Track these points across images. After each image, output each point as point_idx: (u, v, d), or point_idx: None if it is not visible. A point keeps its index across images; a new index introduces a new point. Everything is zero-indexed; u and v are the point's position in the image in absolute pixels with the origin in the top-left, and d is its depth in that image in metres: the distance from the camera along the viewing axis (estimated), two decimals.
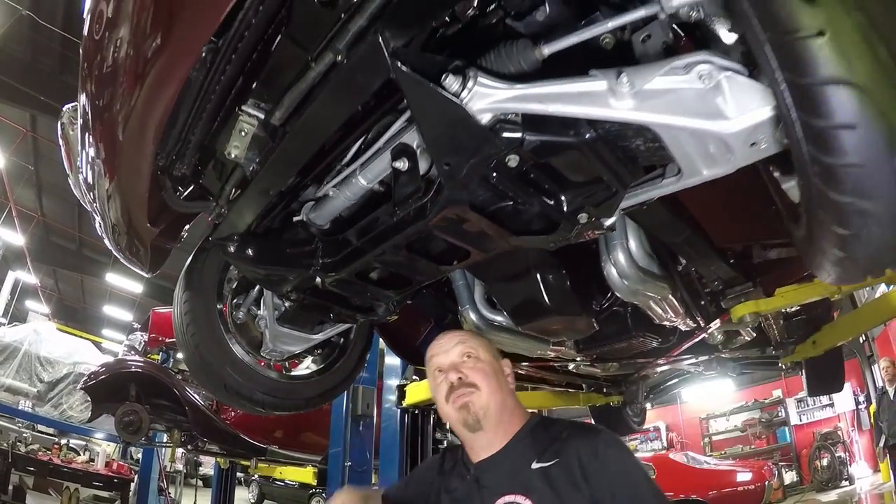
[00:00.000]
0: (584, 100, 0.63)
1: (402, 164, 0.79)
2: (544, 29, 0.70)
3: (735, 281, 1.58)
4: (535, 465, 1.12)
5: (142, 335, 5.90)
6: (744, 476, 7.96)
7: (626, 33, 0.69)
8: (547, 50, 0.67)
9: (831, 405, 10.63)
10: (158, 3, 0.71)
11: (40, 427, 8.94)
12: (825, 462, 10.32)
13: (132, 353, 5.71)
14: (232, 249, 1.11)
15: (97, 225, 1.48)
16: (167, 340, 5.25)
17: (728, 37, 0.58)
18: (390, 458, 3.30)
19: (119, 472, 7.56)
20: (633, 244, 1.29)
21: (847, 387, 10.05)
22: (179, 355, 5.59)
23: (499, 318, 1.60)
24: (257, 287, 1.52)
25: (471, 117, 0.66)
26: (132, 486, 7.26)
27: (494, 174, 0.73)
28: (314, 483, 5.62)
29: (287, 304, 1.40)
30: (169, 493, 7.40)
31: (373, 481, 3.75)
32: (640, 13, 0.63)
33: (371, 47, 0.66)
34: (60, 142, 1.65)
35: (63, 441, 8.37)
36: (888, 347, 8.21)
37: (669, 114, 0.61)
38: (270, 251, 1.13)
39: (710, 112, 0.59)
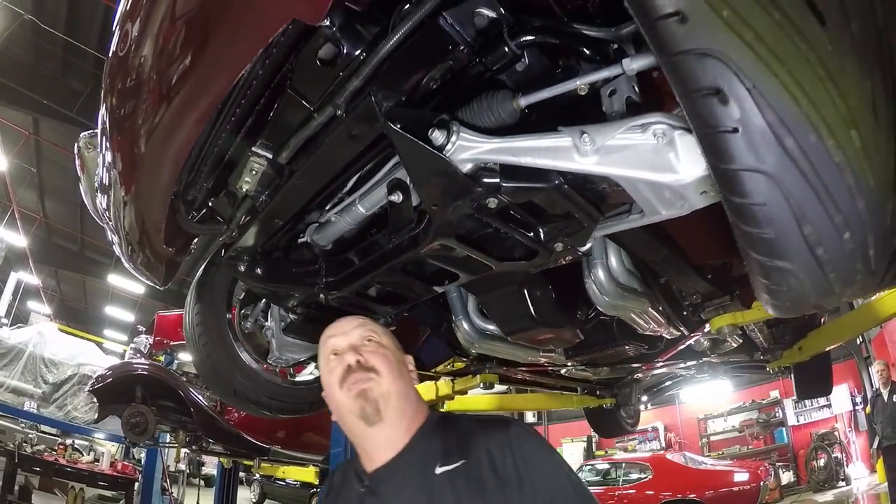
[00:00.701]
0: (551, 154, 0.72)
1: (397, 198, 0.89)
2: (523, 80, 0.80)
3: (713, 294, 1.67)
4: (438, 470, 0.97)
5: (147, 338, 6.00)
6: (740, 476, 8.07)
7: (596, 84, 0.79)
8: (524, 101, 0.77)
9: (828, 406, 10.70)
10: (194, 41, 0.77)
11: (43, 427, 9.04)
12: (822, 462, 10.39)
13: (138, 355, 5.81)
14: (242, 269, 1.21)
15: (114, 244, 1.56)
16: (172, 343, 5.35)
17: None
18: None
19: (124, 471, 7.66)
20: (613, 262, 1.38)
21: (844, 388, 10.16)
22: (183, 357, 5.71)
23: (490, 328, 1.69)
24: (264, 300, 1.62)
25: (454, 167, 0.76)
26: (136, 485, 7.35)
27: (476, 213, 0.83)
28: (316, 482, 5.72)
29: (293, 316, 1.49)
30: (171, 493, 7.51)
31: None
32: (605, 73, 0.73)
33: (366, 106, 0.76)
34: (77, 165, 1.74)
35: (68, 441, 8.46)
36: (884, 350, 8.30)
37: (628, 167, 0.70)
38: (277, 270, 1.23)
39: (663, 166, 0.68)
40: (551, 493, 0.91)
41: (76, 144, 1.64)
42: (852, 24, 0.50)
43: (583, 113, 0.78)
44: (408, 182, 0.89)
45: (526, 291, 1.36)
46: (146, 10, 0.76)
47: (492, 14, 0.75)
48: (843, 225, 0.57)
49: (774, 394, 12.11)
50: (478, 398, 3.36)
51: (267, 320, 1.62)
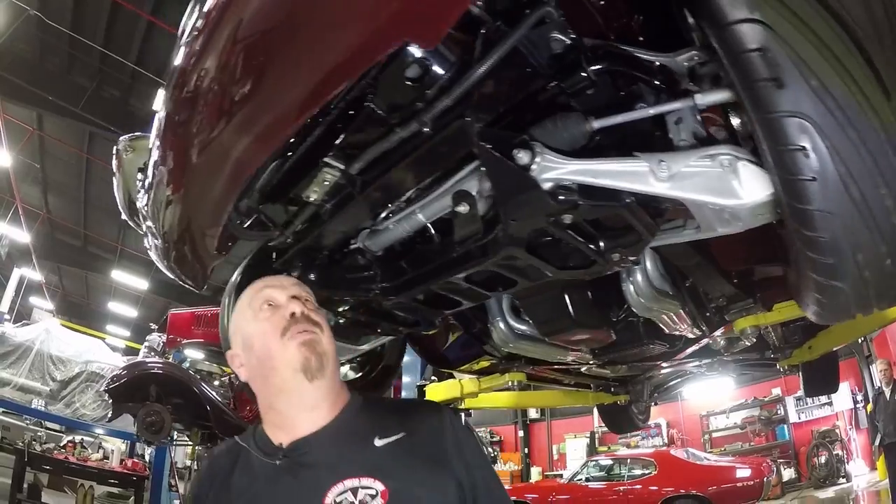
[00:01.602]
0: (629, 177, 0.80)
1: (464, 208, 0.95)
2: (592, 103, 0.87)
3: (738, 297, 1.73)
4: (378, 442, 0.92)
5: (160, 336, 6.05)
6: (742, 472, 8.13)
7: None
8: (597, 124, 0.85)
9: (829, 404, 10.81)
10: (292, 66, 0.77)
11: (48, 424, 9.08)
12: (823, 459, 10.51)
13: (152, 354, 5.86)
14: (295, 274, 1.26)
15: (153, 247, 1.57)
16: (184, 341, 5.40)
17: (740, 126, 0.76)
18: None
19: (134, 469, 7.72)
20: (649, 267, 1.44)
21: (845, 386, 10.24)
22: (193, 354, 5.75)
23: (524, 328, 1.75)
24: None
25: (538, 186, 0.83)
26: (146, 482, 7.41)
27: (550, 227, 0.90)
28: None
29: (339, 319, 1.54)
30: (178, 490, 7.57)
31: None
32: (677, 105, 0.81)
33: (458, 126, 0.82)
34: (114, 168, 1.76)
35: (78, 439, 8.52)
36: (885, 349, 8.37)
37: (697, 192, 0.79)
38: (332, 276, 1.27)
39: (728, 191, 0.78)
40: (481, 470, 0.96)
41: (115, 147, 1.65)
42: None
43: (647, 137, 0.85)
44: (474, 193, 0.94)
45: (566, 295, 1.42)
46: (251, 19, 0.76)
47: (567, 40, 0.81)
48: (886, 253, 0.70)
49: (776, 391, 12.23)
50: (496, 395, 3.41)
51: None
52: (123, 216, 1.85)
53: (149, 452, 9.44)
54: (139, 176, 1.45)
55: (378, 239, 1.20)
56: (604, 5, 0.87)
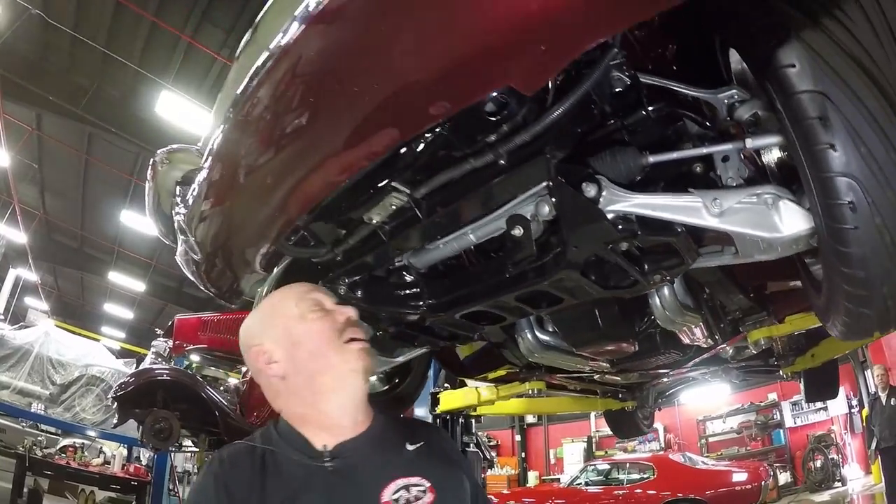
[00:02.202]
0: (684, 211, 0.90)
1: (518, 232, 1.01)
2: (646, 138, 0.95)
3: (752, 310, 1.81)
4: (409, 447, 0.99)
5: (165, 342, 6.06)
6: (739, 476, 8.24)
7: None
8: (652, 159, 0.93)
9: (825, 409, 10.92)
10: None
11: (43, 427, 9.01)
12: (819, 464, 10.65)
13: (159, 359, 5.87)
14: (342, 292, 1.31)
15: (187, 262, 1.59)
16: (190, 346, 5.42)
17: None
18: None
19: (136, 474, 7.70)
20: (676, 283, 1.51)
21: (841, 391, 10.34)
22: (199, 360, 5.77)
23: (550, 339, 1.81)
24: None
25: (604, 217, 0.90)
26: (148, 487, 7.40)
27: (606, 252, 0.97)
28: None
29: (378, 332, 1.58)
30: (178, 494, 7.55)
31: None
32: (728, 146, 0.91)
33: (538, 162, 0.90)
34: (149, 177, 1.78)
35: (79, 443, 8.48)
36: (881, 354, 8.50)
37: (743, 226, 0.88)
38: (380, 293, 1.32)
39: (769, 225, 0.88)
40: (473, 479, 1.04)
41: (153, 159, 1.64)
42: None
43: (693, 172, 0.95)
44: (528, 217, 1.00)
45: (596, 309, 1.48)
46: (353, 53, 0.78)
47: (628, 80, 0.87)
48: None
49: (772, 396, 12.34)
50: (510, 402, 3.47)
51: None
52: (153, 225, 1.86)
53: (147, 457, 9.42)
54: (178, 189, 1.49)
55: (424, 257, 1.25)
56: (653, 46, 0.93)
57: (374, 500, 0.88)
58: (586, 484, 9.75)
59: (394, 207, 1.10)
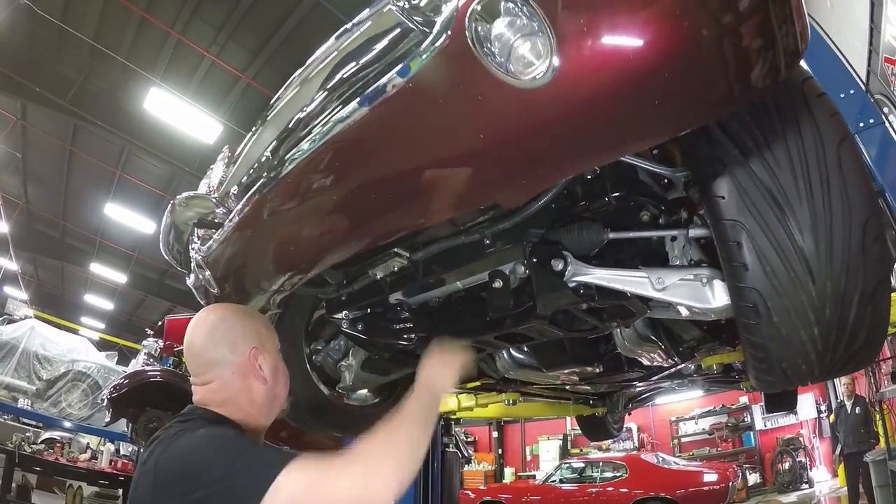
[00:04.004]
0: (633, 284, 1.12)
1: (498, 284, 1.23)
2: (607, 217, 1.18)
3: (705, 339, 2.03)
4: None
5: (156, 342, 6.15)
6: (710, 476, 8.52)
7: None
8: (612, 235, 1.16)
9: (794, 413, 11.29)
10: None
11: (24, 420, 8.97)
12: (787, 466, 11.07)
13: (151, 360, 5.97)
14: (345, 326, 1.52)
15: (202, 292, 1.74)
16: (180, 347, 5.54)
17: None
18: None
19: (124, 469, 7.76)
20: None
21: (810, 396, 10.78)
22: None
23: (523, 358, 2.03)
24: (343, 340, 1.91)
25: (567, 286, 1.13)
26: None
27: (570, 309, 1.18)
28: None
29: (374, 356, 1.78)
30: None
31: None
32: (674, 232, 1.14)
33: (516, 248, 1.14)
34: (167, 214, 1.83)
35: (66, 437, 8.47)
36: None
37: (681, 298, 1.10)
38: (376, 326, 1.53)
39: (703, 298, 1.10)
40: None
41: (172, 201, 1.78)
42: (827, 283, 0.92)
43: (648, 248, 1.18)
44: (507, 273, 1.23)
45: (565, 339, 1.69)
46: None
47: (598, 170, 1.09)
48: (806, 366, 1.00)
49: (743, 399, 12.73)
50: (488, 408, 3.68)
51: (341, 357, 1.91)
52: (165, 254, 2.00)
53: (130, 450, 9.44)
54: (196, 231, 1.67)
55: (417, 297, 1.46)
56: None
57: None
58: (561, 481, 10.02)
59: (395, 268, 1.32)
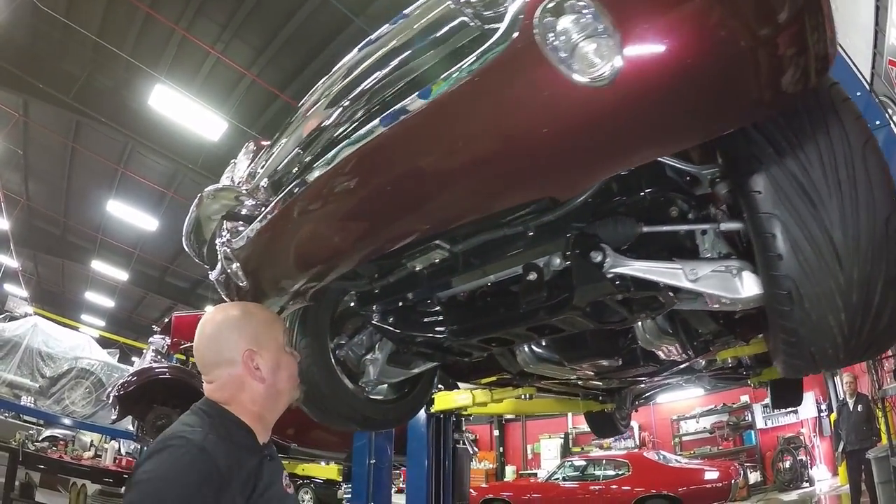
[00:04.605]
0: (667, 275, 1.15)
1: (532, 277, 1.26)
2: (642, 211, 1.21)
3: (721, 333, 2.05)
4: (275, 450, 1.27)
5: (163, 339, 6.15)
6: (711, 474, 8.53)
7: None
8: (645, 229, 1.18)
9: (795, 412, 11.35)
10: None
11: (25, 417, 8.95)
12: (788, 464, 11.13)
13: (158, 357, 5.97)
14: (376, 319, 1.53)
15: (225, 285, 1.74)
16: (187, 344, 5.54)
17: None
18: (418, 461, 3.72)
19: (128, 467, 7.75)
20: None
21: (810, 395, 10.83)
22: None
23: (543, 353, 2.05)
24: (367, 334, 1.93)
25: (605, 277, 1.16)
26: None
27: (605, 300, 1.21)
28: (339, 479, 5.95)
29: (402, 349, 1.79)
30: None
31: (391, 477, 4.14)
32: (704, 226, 1.17)
33: (558, 238, 1.17)
34: (194, 206, 1.84)
35: (69, 435, 8.46)
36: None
37: (712, 288, 1.13)
38: (408, 320, 1.55)
39: (733, 288, 1.13)
40: None
41: (201, 193, 1.78)
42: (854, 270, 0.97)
43: (674, 241, 1.21)
44: (541, 265, 1.25)
45: (587, 333, 1.71)
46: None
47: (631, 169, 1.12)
48: (833, 350, 1.04)
49: (745, 398, 12.79)
50: (495, 404, 3.69)
51: (365, 351, 1.92)
52: (186, 246, 2.01)
53: (133, 448, 9.43)
54: (224, 224, 1.65)
55: (447, 290, 1.48)
56: None
57: (282, 484, 1.19)
58: (564, 479, 10.05)
59: (436, 260, 1.34)
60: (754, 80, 0.81)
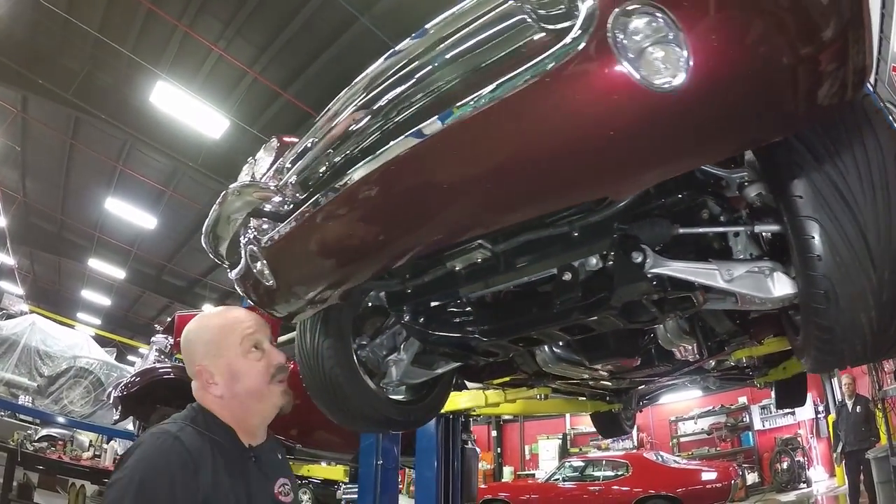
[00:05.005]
0: (704, 276, 1.19)
1: (567, 277, 1.27)
2: (676, 213, 1.24)
3: (737, 334, 2.08)
4: (279, 456, 1.28)
5: (166, 338, 6.09)
6: (710, 475, 8.56)
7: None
8: (681, 230, 1.21)
9: (792, 413, 11.43)
10: None
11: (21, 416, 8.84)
12: (785, 465, 11.20)
13: (162, 357, 5.92)
14: (407, 318, 1.53)
15: (249, 285, 1.73)
16: None
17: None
18: (427, 462, 3.71)
19: None
20: None
21: (808, 397, 10.87)
22: None
23: (562, 353, 2.05)
24: (389, 334, 1.91)
25: (645, 277, 1.19)
26: None
27: (641, 299, 1.23)
28: (346, 480, 5.89)
29: (428, 350, 1.79)
30: None
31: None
32: (739, 228, 1.21)
33: (602, 239, 1.19)
34: (217, 204, 1.73)
35: (67, 434, 8.36)
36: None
37: (745, 288, 1.18)
38: (438, 319, 1.56)
39: (765, 288, 1.18)
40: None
41: (226, 189, 1.71)
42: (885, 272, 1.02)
43: (705, 243, 1.26)
44: (576, 265, 1.26)
45: (609, 333, 1.72)
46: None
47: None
48: (861, 347, 1.09)
49: (742, 399, 12.86)
50: (507, 404, 3.69)
51: (387, 352, 1.90)
52: (205, 243, 1.97)
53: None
54: (251, 221, 1.62)
55: (484, 290, 1.49)
56: None
57: (272, 490, 1.19)
58: (563, 480, 10.06)
59: (478, 259, 1.35)
60: (804, 92, 0.86)
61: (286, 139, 1.72)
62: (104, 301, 20.49)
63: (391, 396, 2.08)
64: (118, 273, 17.16)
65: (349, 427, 2.04)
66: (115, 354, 13.26)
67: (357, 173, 1.22)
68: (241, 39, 9.17)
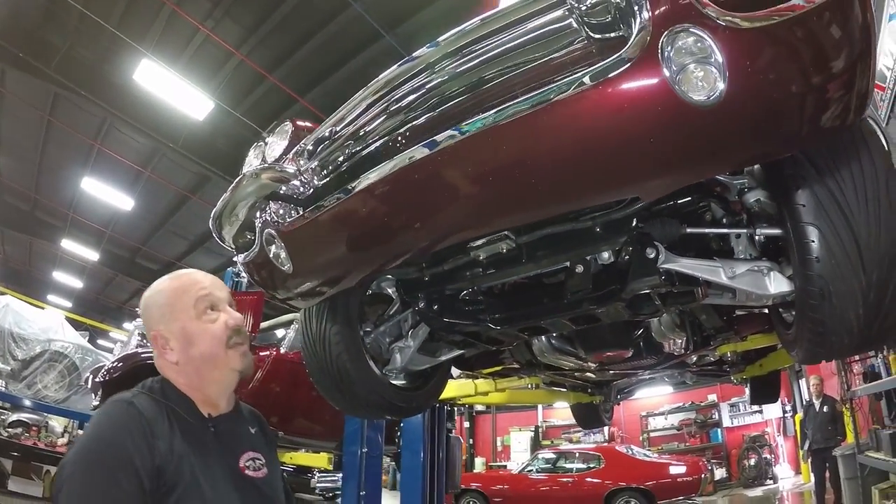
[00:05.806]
0: (709, 272, 1.31)
1: (580, 269, 1.34)
2: (683, 216, 1.35)
3: (723, 329, 2.18)
4: (251, 429, 1.19)
5: None
6: (680, 469, 8.81)
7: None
8: (689, 230, 1.32)
9: (760, 412, 11.86)
10: None
11: None
12: (753, 462, 11.59)
13: (144, 341, 5.81)
14: (421, 306, 1.58)
15: (258, 271, 1.73)
16: None
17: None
18: (414, 449, 3.76)
19: None
20: None
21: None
22: None
23: (557, 343, 2.12)
24: (395, 321, 1.94)
25: (658, 271, 1.29)
26: None
27: (650, 292, 1.31)
28: (330, 468, 5.88)
29: (438, 335, 1.83)
30: None
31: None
32: (742, 230, 1.32)
33: (622, 234, 1.30)
34: (231, 190, 1.69)
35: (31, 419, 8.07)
36: (816, 366, 9.28)
37: (744, 285, 1.30)
38: (452, 308, 1.61)
39: (762, 285, 1.30)
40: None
41: (243, 172, 1.66)
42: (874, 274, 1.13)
43: (705, 242, 1.38)
44: (588, 259, 1.32)
45: (606, 324, 1.79)
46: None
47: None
48: (848, 340, 1.21)
49: (712, 397, 13.22)
50: (496, 393, 3.76)
51: (393, 339, 1.93)
52: (212, 226, 1.93)
53: None
54: (271, 204, 1.59)
55: (503, 279, 1.55)
56: None
57: (236, 462, 1.13)
58: (537, 471, 10.22)
59: (503, 250, 1.41)
60: (813, 116, 0.97)
61: (300, 123, 1.71)
62: (76, 283, 20.01)
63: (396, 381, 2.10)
64: (91, 255, 16.76)
65: (352, 414, 2.06)
66: (87, 337, 12.98)
67: (400, 161, 1.23)
68: (230, 20, 9.00)
